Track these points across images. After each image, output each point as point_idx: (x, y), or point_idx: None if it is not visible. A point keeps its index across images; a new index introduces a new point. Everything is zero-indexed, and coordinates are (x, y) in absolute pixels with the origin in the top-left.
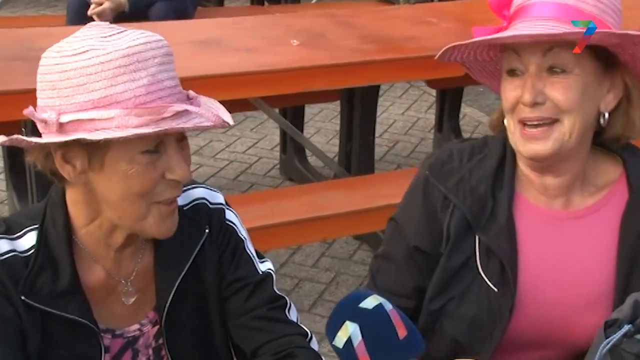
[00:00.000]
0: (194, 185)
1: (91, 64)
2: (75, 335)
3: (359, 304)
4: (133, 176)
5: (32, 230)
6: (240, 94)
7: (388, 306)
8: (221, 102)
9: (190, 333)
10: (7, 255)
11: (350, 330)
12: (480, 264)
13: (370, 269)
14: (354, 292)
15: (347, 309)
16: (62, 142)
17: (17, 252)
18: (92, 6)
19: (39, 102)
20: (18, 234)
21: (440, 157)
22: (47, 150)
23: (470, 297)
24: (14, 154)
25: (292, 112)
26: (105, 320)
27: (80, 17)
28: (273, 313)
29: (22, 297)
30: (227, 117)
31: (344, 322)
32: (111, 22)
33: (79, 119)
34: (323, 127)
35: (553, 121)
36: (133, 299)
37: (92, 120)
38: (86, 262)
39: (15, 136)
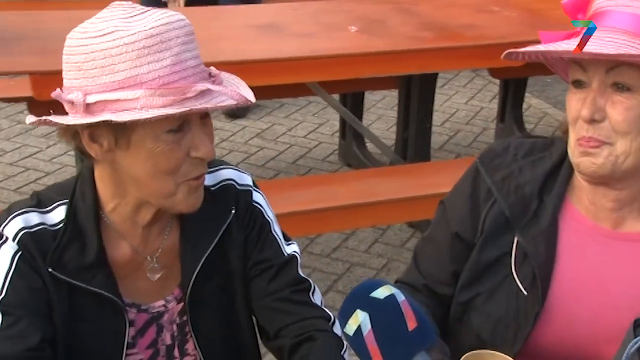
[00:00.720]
0: (222, 166)
1: (116, 45)
2: (101, 308)
3: (370, 293)
4: (159, 154)
5: (62, 204)
6: (295, 79)
7: (400, 297)
8: (278, 86)
9: (215, 311)
10: (36, 228)
11: (360, 319)
12: (515, 264)
13: (415, 250)
14: (367, 281)
15: (359, 298)
16: (89, 122)
17: (47, 225)
18: None
19: (65, 82)
20: (49, 208)
21: (495, 148)
22: (75, 129)
23: (499, 295)
24: None
25: (352, 98)
26: (131, 295)
27: (153, 1)
28: (296, 295)
29: (50, 270)
30: (249, 94)
31: (355, 310)
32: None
33: (104, 100)
34: (385, 114)
35: (605, 144)
36: (158, 275)
37: (118, 100)
38: (113, 237)
39: (44, 117)
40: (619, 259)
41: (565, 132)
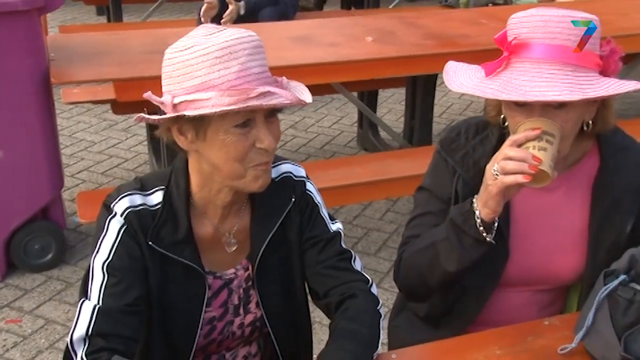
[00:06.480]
0: (282, 162)
1: (194, 56)
2: (187, 276)
3: None
4: (229, 144)
5: (160, 190)
6: (323, 80)
7: None
8: (309, 86)
9: (276, 278)
10: (139, 208)
11: None
12: None
13: (409, 228)
14: None
15: None
16: (176, 118)
17: (147, 205)
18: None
19: (162, 88)
20: (150, 192)
21: (449, 135)
22: (168, 125)
23: None
24: (154, 127)
25: (368, 95)
26: (210, 264)
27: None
28: (341, 263)
29: (150, 243)
30: (306, 97)
31: None
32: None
33: (186, 100)
34: (394, 107)
35: None
36: (234, 249)
37: (195, 100)
38: (199, 218)
39: (140, 115)
40: (555, 197)
41: (492, 117)
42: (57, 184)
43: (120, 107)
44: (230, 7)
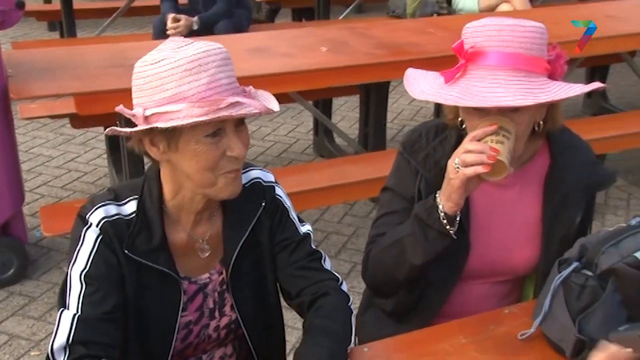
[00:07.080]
0: (251, 168)
1: (164, 69)
2: (162, 282)
3: None
4: (200, 154)
5: (133, 199)
6: (280, 89)
7: None
8: None
9: (249, 281)
10: (114, 218)
11: None
12: None
13: (375, 227)
14: None
15: None
16: (148, 130)
17: (122, 215)
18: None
19: (133, 100)
20: (123, 201)
21: (411, 137)
22: (139, 137)
23: None
24: (113, 138)
25: (322, 103)
26: (185, 270)
27: (161, 34)
28: (311, 264)
29: (126, 251)
30: (274, 105)
31: None
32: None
33: (157, 112)
34: (348, 114)
35: None
36: (207, 254)
37: (167, 112)
38: (172, 225)
39: (112, 127)
40: (511, 193)
41: (450, 119)
42: (18, 200)
43: (79, 121)
44: (181, 22)
